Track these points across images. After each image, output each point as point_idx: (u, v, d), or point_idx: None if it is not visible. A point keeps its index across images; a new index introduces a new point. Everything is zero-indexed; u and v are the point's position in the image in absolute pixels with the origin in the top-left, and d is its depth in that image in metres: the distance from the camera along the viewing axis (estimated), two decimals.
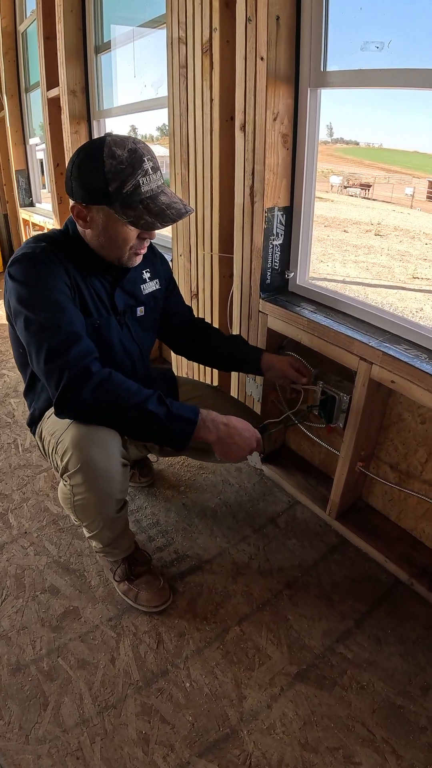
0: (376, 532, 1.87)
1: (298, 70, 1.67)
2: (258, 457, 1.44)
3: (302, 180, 1.79)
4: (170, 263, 2.44)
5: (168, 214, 1.27)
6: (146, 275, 1.57)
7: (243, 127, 1.74)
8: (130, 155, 1.21)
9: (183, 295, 2.41)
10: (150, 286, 1.58)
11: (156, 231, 1.33)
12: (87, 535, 1.52)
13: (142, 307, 1.56)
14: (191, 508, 2.08)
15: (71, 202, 1.29)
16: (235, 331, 2.07)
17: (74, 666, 1.45)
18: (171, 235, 2.40)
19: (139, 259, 1.40)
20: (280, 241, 1.86)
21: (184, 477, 2.26)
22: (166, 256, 2.54)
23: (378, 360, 1.47)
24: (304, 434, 2.10)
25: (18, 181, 5.11)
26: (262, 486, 2.21)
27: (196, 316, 2.45)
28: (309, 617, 1.59)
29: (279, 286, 1.93)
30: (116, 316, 1.47)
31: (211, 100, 1.89)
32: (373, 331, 1.60)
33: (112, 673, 1.43)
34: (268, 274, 1.88)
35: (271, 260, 1.87)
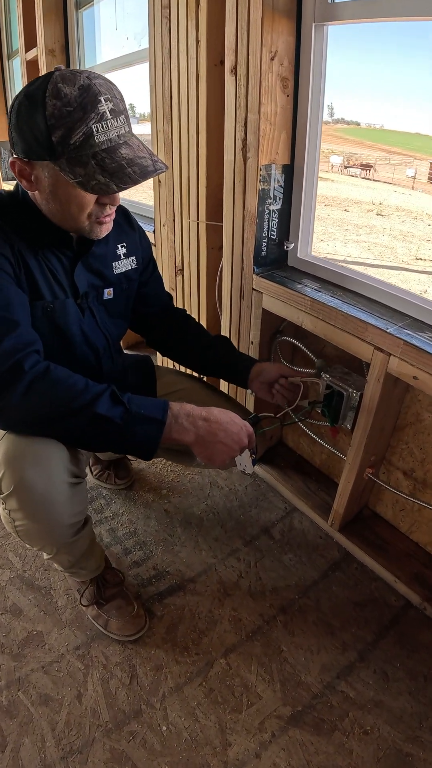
0: (384, 547, 1.63)
1: (300, 3, 1.38)
2: (249, 459, 1.17)
3: (305, 134, 1.50)
4: (152, 236, 2.17)
5: (128, 173, 0.96)
6: (121, 251, 1.29)
7: (234, 70, 1.45)
8: (81, 94, 0.92)
9: (166, 272, 2.16)
10: (124, 264, 1.30)
11: (124, 194, 1.05)
12: (45, 557, 1.31)
13: (111, 289, 1.28)
14: (174, 515, 1.84)
15: (11, 157, 1.00)
16: (225, 314, 1.79)
17: (36, 702, 1.28)
18: (153, 203, 2.10)
19: (105, 230, 1.11)
20: (279, 206, 1.57)
21: (167, 478, 2.02)
22: (148, 228, 2.29)
23: (397, 350, 1.20)
24: (303, 431, 1.83)
25: (0, 154, 4.77)
26: (255, 489, 1.96)
27: (179, 303, 2.18)
28: (306, 648, 1.39)
29: (276, 259, 1.65)
30: (76, 299, 1.20)
31: (197, 41, 1.60)
32: (390, 314, 1.32)
33: (78, 712, 1.25)
34: (264, 245, 1.59)
35: (268, 228, 1.58)
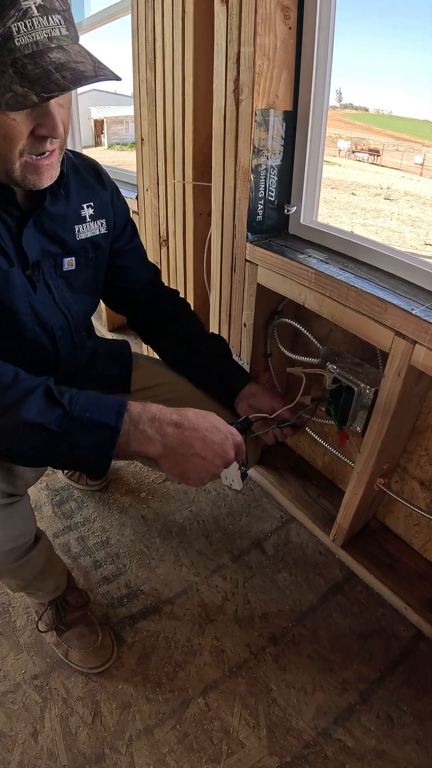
0: (394, 567, 1.40)
1: None
2: (237, 473, 0.93)
3: (311, 74, 1.23)
4: (135, 203, 1.91)
5: (55, 79, 0.69)
6: (86, 212, 1.03)
7: None
8: None
9: (150, 245, 1.90)
10: (90, 229, 1.04)
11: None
12: None
13: (73, 258, 1.03)
14: (152, 523, 1.61)
15: None
16: (214, 292, 1.53)
17: None
18: (136, 166, 1.84)
19: (47, 178, 0.84)
20: (278, 161, 1.31)
21: (146, 479, 1.79)
22: (130, 195, 2.02)
23: (426, 337, 0.94)
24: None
25: None
26: (247, 495, 1.72)
27: (164, 280, 1.91)
28: (299, 688, 1.20)
29: (275, 225, 1.39)
30: (24, 270, 0.94)
31: None
32: (415, 292, 1.06)
33: (34, 752, 1.10)
34: (260, 207, 1.33)
35: (265, 188, 1.32)
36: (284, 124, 1.28)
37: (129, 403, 0.81)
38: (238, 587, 1.42)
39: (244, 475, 0.96)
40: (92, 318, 1.21)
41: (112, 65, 0.77)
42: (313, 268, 1.14)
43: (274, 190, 1.33)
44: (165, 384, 1.25)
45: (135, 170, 1.90)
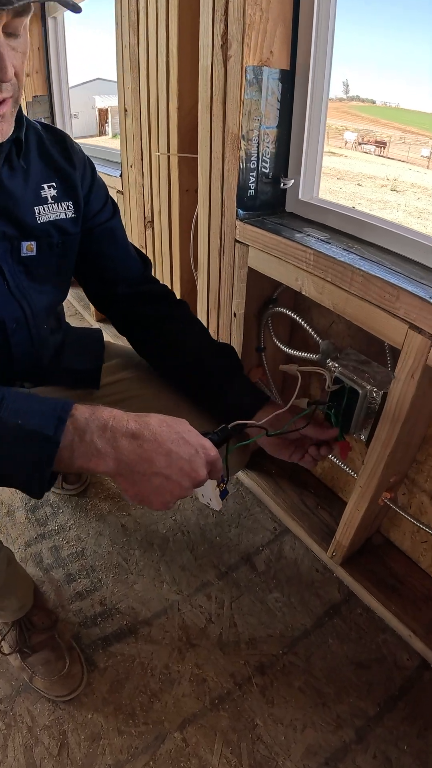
0: (398, 588, 1.25)
1: None
2: (215, 491, 0.77)
3: (311, 28, 1.07)
4: (119, 182, 1.74)
5: None
6: (48, 192, 0.88)
7: None
8: None
9: (135, 228, 1.73)
10: (54, 211, 0.89)
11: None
12: None
13: (33, 243, 0.89)
14: (132, 533, 1.46)
15: None
16: (201, 278, 1.36)
17: None
18: (120, 142, 1.67)
19: None
20: (274, 128, 1.15)
21: None
22: (114, 173, 1.85)
23: None
24: None
25: None
26: (238, 503, 1.56)
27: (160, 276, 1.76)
28: (288, 724, 1.08)
29: (269, 202, 1.22)
30: None
31: None
32: None
33: None
34: (252, 180, 1.16)
35: (258, 158, 1.15)
36: (280, 85, 1.12)
37: (74, 407, 0.65)
38: (223, 608, 1.27)
39: (224, 493, 0.80)
40: (80, 308, 1.05)
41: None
42: (312, 248, 0.97)
43: (268, 160, 1.17)
44: (134, 378, 1.09)
45: (114, 149, 1.74)
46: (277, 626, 1.23)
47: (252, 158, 1.14)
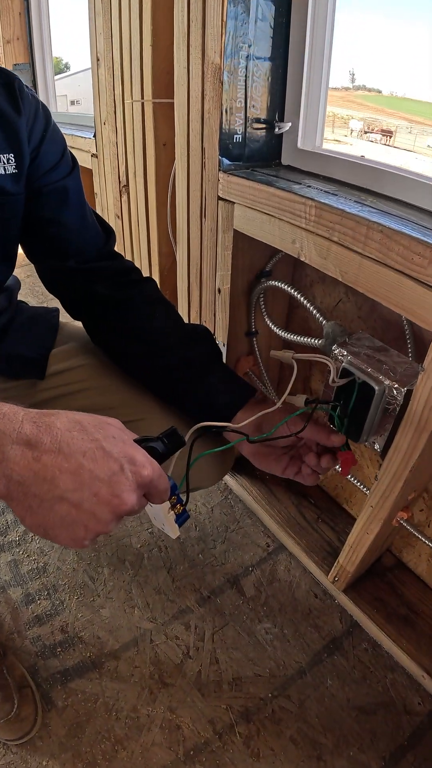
0: (411, 620, 1.06)
1: None
2: (169, 515, 0.54)
3: None
4: (93, 143, 1.51)
5: None
6: None
7: None
8: None
9: (111, 195, 1.50)
10: None
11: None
12: None
13: None
14: (102, 548, 1.27)
15: None
16: (180, 247, 1.13)
17: None
18: (93, 98, 1.44)
19: None
20: (266, 60, 0.92)
21: None
22: (88, 135, 1.63)
23: None
24: None
25: None
26: (226, 513, 1.35)
27: (125, 237, 1.53)
28: None
29: (262, 151, 0.99)
30: None
31: None
32: None
33: None
34: (238, 123, 0.94)
35: (246, 95, 0.93)
36: (273, 7, 0.89)
37: None
38: (204, 640, 1.07)
39: (181, 518, 0.59)
40: None
41: None
42: (313, 199, 0.74)
43: (259, 99, 0.94)
44: (89, 366, 0.88)
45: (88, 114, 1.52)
46: (267, 664, 1.04)
47: (238, 96, 0.91)
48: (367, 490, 1.00)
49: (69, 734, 0.94)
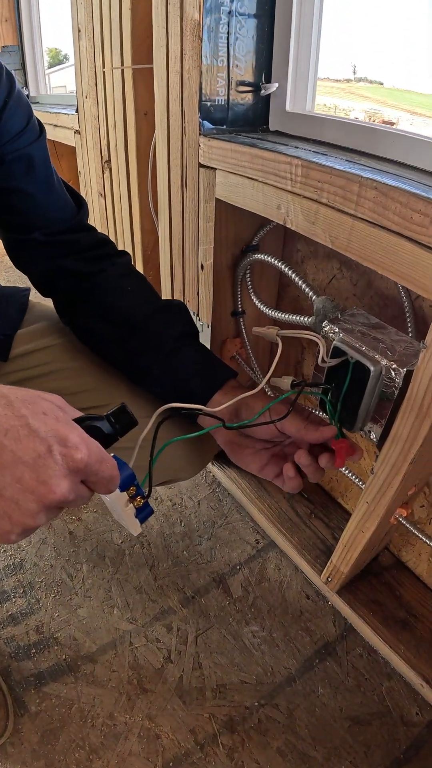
0: (410, 624, 0.99)
1: None
2: (128, 510, 0.45)
3: None
4: (75, 120, 1.43)
5: None
6: None
7: None
8: None
9: (94, 172, 1.42)
10: None
11: None
12: None
13: None
14: (81, 543, 1.19)
15: None
16: (162, 220, 1.05)
17: None
18: (75, 73, 1.36)
19: None
20: (250, 17, 0.84)
21: None
22: (71, 111, 1.55)
23: None
24: None
25: None
26: (213, 507, 1.28)
27: (107, 216, 1.45)
28: None
29: (247, 115, 0.91)
30: None
31: None
32: None
33: None
34: (220, 83, 0.85)
35: (228, 54, 0.84)
36: None
37: None
38: (186, 644, 1.00)
39: (143, 512, 0.50)
40: None
41: None
42: (300, 157, 0.66)
43: (243, 59, 0.86)
44: (58, 347, 0.80)
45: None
46: (254, 669, 0.97)
47: (220, 55, 0.83)
48: (363, 484, 0.93)
49: (42, 741, 0.87)
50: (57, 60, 3.10)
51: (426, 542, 0.84)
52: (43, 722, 0.89)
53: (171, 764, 0.85)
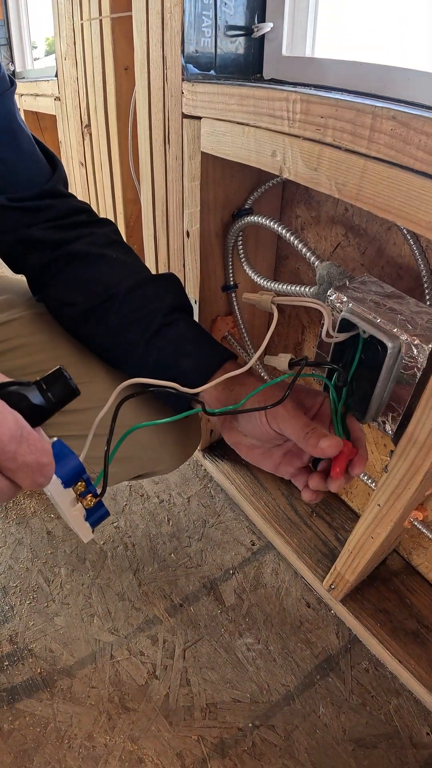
0: (421, 636, 0.89)
1: None
2: (71, 509, 0.34)
3: None
4: (56, 86, 1.32)
5: None
6: None
7: None
8: None
9: (74, 137, 1.30)
10: None
11: None
12: None
13: None
14: (60, 544, 1.09)
15: None
16: (144, 184, 0.93)
17: None
18: (54, 35, 1.26)
19: None
20: None
21: None
22: (53, 78, 1.44)
23: None
24: None
25: None
26: (204, 505, 1.19)
27: (88, 184, 1.34)
28: None
29: (237, 62, 0.79)
30: None
31: None
32: None
33: None
34: (206, 23, 0.73)
35: None
36: None
37: None
38: (173, 657, 0.91)
39: (95, 514, 0.40)
40: None
41: None
42: (298, 91, 0.55)
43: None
44: (24, 320, 0.70)
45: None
46: (248, 687, 0.87)
47: None
48: (371, 482, 0.82)
49: (15, 763, 0.79)
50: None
51: None
52: (15, 742, 0.81)
53: None
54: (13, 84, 0.63)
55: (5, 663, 0.90)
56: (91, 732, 0.82)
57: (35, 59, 2.73)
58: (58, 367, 0.34)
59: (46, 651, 0.92)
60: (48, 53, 2.72)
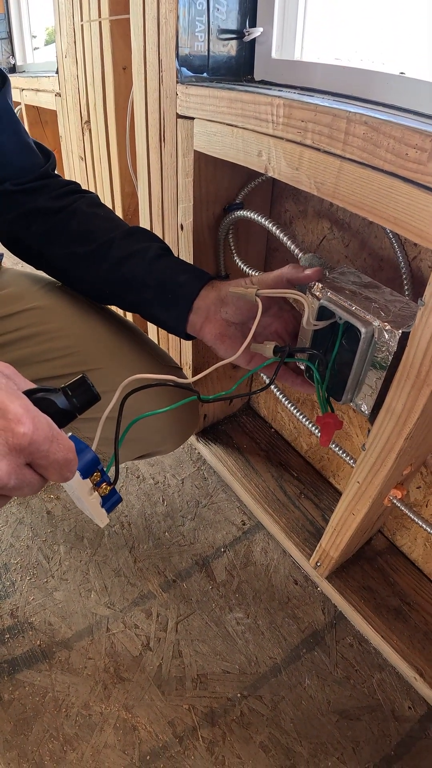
0: (403, 613, 0.93)
1: None
2: (90, 497, 0.39)
3: None
4: (56, 82, 1.36)
5: None
6: None
7: None
8: None
9: (74, 135, 1.34)
10: None
11: None
12: None
13: None
14: (59, 523, 1.14)
15: None
16: (141, 179, 0.98)
17: None
18: (55, 34, 1.29)
19: None
20: None
21: None
22: (50, 72, 1.47)
23: None
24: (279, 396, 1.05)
25: None
26: (198, 486, 1.23)
27: (89, 178, 1.38)
28: None
29: (229, 64, 0.83)
30: None
31: None
32: None
33: None
34: (200, 28, 0.77)
35: None
36: None
37: None
38: (166, 630, 0.95)
39: (110, 501, 0.44)
40: None
41: None
42: (282, 97, 0.59)
43: (224, 3, 0.78)
44: (33, 310, 0.74)
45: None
46: (237, 659, 0.92)
47: None
48: (354, 463, 0.87)
49: (15, 731, 0.83)
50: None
51: (422, 526, 0.78)
52: (15, 711, 0.85)
53: (148, 758, 0.80)
54: (6, 80, 0.68)
55: (6, 636, 0.94)
56: (87, 701, 0.86)
57: (35, 48, 2.74)
58: (81, 375, 0.39)
59: (46, 624, 0.96)
60: (48, 43, 2.73)
